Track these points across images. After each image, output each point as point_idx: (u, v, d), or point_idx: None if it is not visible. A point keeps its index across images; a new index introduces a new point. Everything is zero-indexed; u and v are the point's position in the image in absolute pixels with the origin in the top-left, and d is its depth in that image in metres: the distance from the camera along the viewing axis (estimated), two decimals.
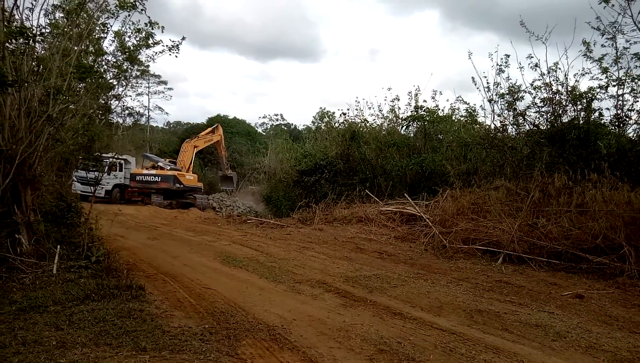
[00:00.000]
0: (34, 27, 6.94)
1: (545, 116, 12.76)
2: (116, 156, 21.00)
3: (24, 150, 6.61)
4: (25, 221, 6.78)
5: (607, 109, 11.94)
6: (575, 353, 4.51)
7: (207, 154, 31.98)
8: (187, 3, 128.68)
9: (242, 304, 5.76)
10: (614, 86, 11.54)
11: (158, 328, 4.62)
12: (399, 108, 20.12)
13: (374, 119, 21.30)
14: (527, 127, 13.44)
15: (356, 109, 23.31)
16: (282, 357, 4.15)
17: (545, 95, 12.60)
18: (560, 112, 12.32)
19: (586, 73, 11.96)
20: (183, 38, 8.72)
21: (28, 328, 4.46)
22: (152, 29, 8.12)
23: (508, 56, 13.46)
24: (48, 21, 7.90)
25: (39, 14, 7.15)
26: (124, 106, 11.25)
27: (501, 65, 13.50)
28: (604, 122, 12.00)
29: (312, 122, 37.36)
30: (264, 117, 54.73)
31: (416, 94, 18.87)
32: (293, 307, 5.74)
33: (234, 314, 5.31)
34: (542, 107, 12.74)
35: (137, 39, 8.37)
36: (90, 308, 5.10)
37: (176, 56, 8.61)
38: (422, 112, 18.05)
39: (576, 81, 12.26)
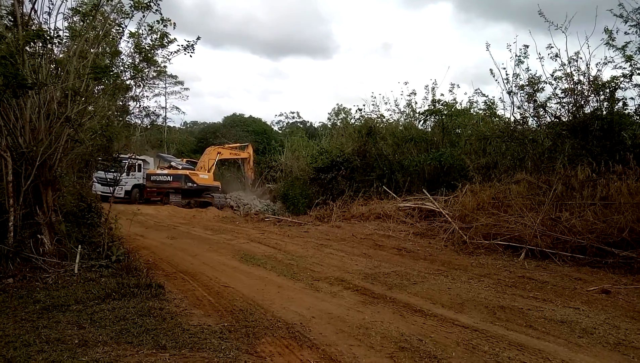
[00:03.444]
0: (51, 30, 7.02)
1: (567, 107, 12.44)
2: (134, 157, 21.28)
3: (44, 151, 6.72)
4: (47, 222, 6.89)
5: (632, 98, 11.58)
6: (604, 350, 4.37)
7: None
8: (198, 2, 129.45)
9: (260, 302, 5.75)
10: (639, 74, 11.18)
11: (178, 327, 4.64)
12: (416, 102, 19.95)
13: (390, 114, 21.15)
14: (548, 119, 13.13)
15: (372, 105, 23.18)
16: (302, 354, 4.11)
17: (566, 86, 12.29)
18: (582, 103, 11.99)
19: (609, 62, 11.60)
20: (198, 38, 8.68)
21: (51, 327, 4.51)
22: (165, 27, 8.14)
23: (527, 46, 13.15)
24: (66, 24, 7.99)
25: (56, 18, 7.24)
26: (141, 106, 11.34)
27: (520, 56, 13.22)
28: (629, 112, 11.63)
29: (328, 118, 37.36)
30: (280, 115, 54.75)
31: (433, 88, 18.68)
32: (312, 305, 5.71)
33: (252, 312, 5.29)
34: (563, 98, 12.42)
35: (152, 39, 8.41)
36: (111, 307, 5.15)
37: (191, 56, 8.62)
38: (440, 106, 17.82)
39: (598, 70, 11.90)
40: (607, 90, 11.54)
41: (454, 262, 8.74)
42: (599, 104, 11.78)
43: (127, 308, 5.10)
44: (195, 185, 23.58)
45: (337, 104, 46.33)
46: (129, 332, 4.39)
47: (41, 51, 6.94)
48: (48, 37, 6.61)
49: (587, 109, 11.93)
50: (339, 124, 30.55)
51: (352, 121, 26.13)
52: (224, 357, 3.95)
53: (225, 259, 8.92)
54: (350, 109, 32.89)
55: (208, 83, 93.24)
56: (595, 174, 9.67)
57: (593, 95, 11.86)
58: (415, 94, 19.72)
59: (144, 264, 7.48)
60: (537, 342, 4.50)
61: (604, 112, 11.48)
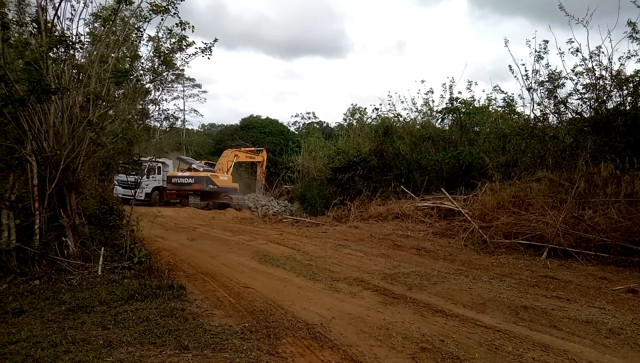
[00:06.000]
0: (73, 36, 7.17)
1: (589, 103, 12.17)
2: (154, 159, 21.58)
3: (67, 155, 6.85)
4: (71, 225, 7.02)
5: None
6: (632, 351, 4.27)
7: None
8: (211, 2, 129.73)
9: (280, 302, 5.77)
10: None
11: (199, 327, 4.68)
12: (433, 101, 19.79)
13: (407, 113, 21.04)
14: (569, 115, 12.88)
15: (388, 104, 23.08)
16: (323, 355, 4.11)
17: (588, 81, 12.03)
18: (604, 98, 11.72)
19: (632, 56, 11.33)
20: (215, 40, 8.73)
21: (77, 328, 4.59)
22: (184, 30, 8.22)
23: (547, 41, 12.93)
24: (88, 30, 8.15)
25: (78, 23, 7.38)
26: (160, 109, 11.50)
27: (540, 51, 13.00)
28: None
29: (344, 118, 37.28)
30: (295, 116, 54.79)
31: (450, 86, 18.50)
32: (332, 305, 5.70)
33: (273, 312, 5.31)
34: (584, 93, 12.16)
35: (171, 43, 8.52)
36: (134, 308, 5.22)
37: (209, 58, 8.69)
38: (458, 104, 17.64)
39: (621, 64, 11.60)
40: (631, 84, 11.27)
41: (475, 262, 8.63)
42: (622, 99, 11.52)
43: (150, 309, 5.16)
44: (216, 187, 23.84)
45: (353, 103, 46.21)
46: (152, 333, 4.44)
47: (64, 57, 7.09)
48: (70, 43, 6.74)
49: (610, 105, 11.67)
50: (355, 124, 30.47)
51: (368, 120, 26.09)
52: (245, 357, 3.97)
53: (245, 260, 8.98)
54: (365, 109, 32.81)
55: (223, 85, 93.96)
56: (619, 171, 9.44)
57: (616, 90, 11.60)
58: (432, 92, 19.61)
59: (165, 265, 7.57)
60: (562, 343, 4.41)
61: (628, 107, 11.22)
